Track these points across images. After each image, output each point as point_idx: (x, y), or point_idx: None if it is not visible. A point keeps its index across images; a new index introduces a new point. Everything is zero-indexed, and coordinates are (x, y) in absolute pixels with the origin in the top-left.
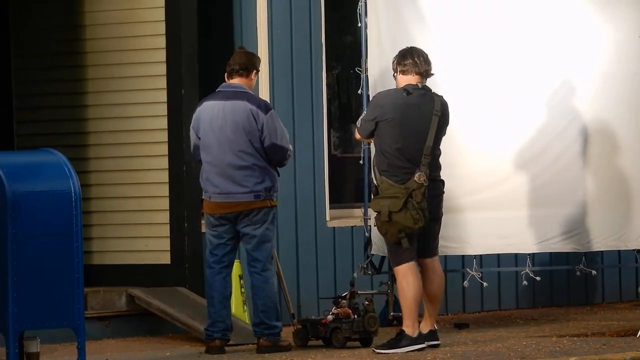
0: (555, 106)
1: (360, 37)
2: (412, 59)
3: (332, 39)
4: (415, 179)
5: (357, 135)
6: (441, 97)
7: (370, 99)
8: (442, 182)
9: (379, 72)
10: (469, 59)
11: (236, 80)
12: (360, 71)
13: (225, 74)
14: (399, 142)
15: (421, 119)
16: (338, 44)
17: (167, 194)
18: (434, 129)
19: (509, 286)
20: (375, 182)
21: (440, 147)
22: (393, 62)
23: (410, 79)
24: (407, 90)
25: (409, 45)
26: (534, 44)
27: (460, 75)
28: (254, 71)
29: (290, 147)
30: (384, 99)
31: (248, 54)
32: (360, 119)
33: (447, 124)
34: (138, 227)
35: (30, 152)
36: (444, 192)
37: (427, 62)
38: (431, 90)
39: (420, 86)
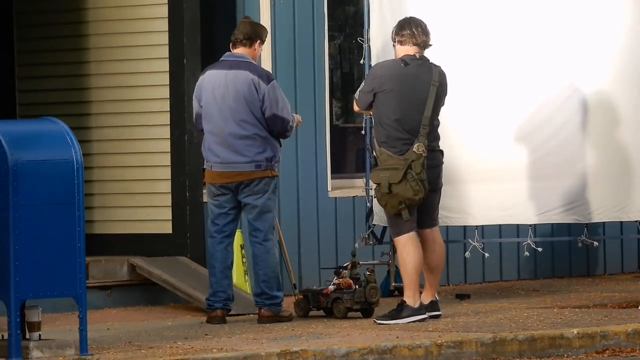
0: (557, 78)
1: (363, 7)
2: (410, 30)
3: (335, 8)
4: (414, 149)
5: (356, 107)
6: (439, 67)
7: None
8: (441, 152)
9: (381, 42)
10: (469, 30)
11: (239, 50)
12: (362, 41)
13: (230, 44)
14: (397, 113)
15: (419, 90)
16: (340, 14)
17: (169, 164)
18: (432, 99)
19: (510, 257)
20: (374, 153)
21: (440, 118)
22: (392, 32)
23: (408, 50)
24: (405, 60)
25: (408, 16)
26: (535, 15)
27: (461, 46)
28: (258, 41)
29: (292, 117)
30: (381, 70)
31: (253, 24)
32: (358, 90)
33: (446, 94)
34: (139, 197)
35: (32, 121)
36: (443, 163)
37: (425, 32)
38: (429, 60)
39: (417, 56)
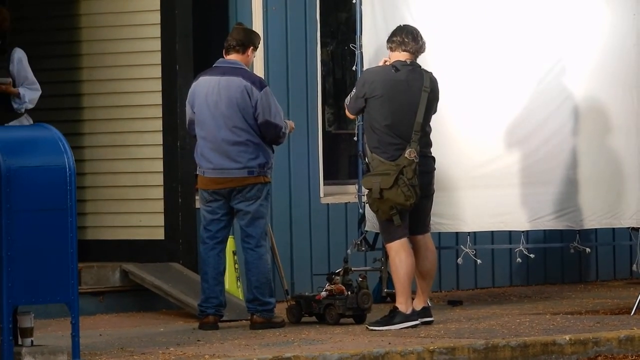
0: (549, 84)
1: (355, 14)
2: (399, 37)
3: (327, 15)
4: (406, 155)
5: (348, 114)
6: (430, 73)
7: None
8: (433, 158)
9: (374, 49)
10: (462, 36)
11: (232, 56)
12: (354, 48)
13: (223, 50)
14: (388, 119)
15: (410, 95)
16: (333, 20)
17: (161, 170)
18: (423, 104)
19: (502, 263)
20: (366, 159)
21: (433, 125)
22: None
23: (399, 56)
24: (395, 66)
25: (402, 22)
26: (528, 22)
27: (453, 52)
28: (251, 48)
29: (285, 124)
30: (372, 75)
31: (246, 30)
32: (349, 96)
33: (437, 100)
34: (132, 203)
35: (24, 127)
36: (435, 169)
37: (415, 40)
38: (420, 66)
39: (408, 63)
